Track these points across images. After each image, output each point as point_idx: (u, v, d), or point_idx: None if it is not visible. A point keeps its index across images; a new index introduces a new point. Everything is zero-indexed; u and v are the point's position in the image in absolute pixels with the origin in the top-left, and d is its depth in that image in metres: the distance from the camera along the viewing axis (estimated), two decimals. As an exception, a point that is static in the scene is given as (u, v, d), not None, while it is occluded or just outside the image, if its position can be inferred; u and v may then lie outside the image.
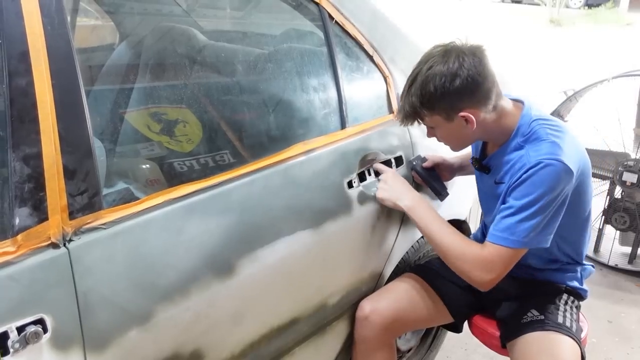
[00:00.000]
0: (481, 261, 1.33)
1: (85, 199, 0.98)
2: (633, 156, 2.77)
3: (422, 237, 1.74)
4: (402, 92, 1.36)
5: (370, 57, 1.62)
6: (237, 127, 1.47)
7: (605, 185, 2.89)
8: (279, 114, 1.49)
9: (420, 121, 1.37)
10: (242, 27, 1.82)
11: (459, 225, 1.96)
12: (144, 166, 1.38)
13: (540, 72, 6.99)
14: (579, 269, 1.56)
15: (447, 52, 1.28)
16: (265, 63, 1.57)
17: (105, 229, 1.00)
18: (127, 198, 1.12)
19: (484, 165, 1.48)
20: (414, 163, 1.66)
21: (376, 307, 1.53)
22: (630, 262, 2.94)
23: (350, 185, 1.46)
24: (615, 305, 2.66)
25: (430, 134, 1.43)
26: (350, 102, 1.54)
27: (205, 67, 1.58)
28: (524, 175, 1.28)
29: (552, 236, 1.33)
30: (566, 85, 2.91)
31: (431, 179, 1.65)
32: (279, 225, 1.27)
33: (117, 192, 1.36)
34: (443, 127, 1.35)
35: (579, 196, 1.38)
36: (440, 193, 1.65)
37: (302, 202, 1.34)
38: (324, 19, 1.49)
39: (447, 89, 1.26)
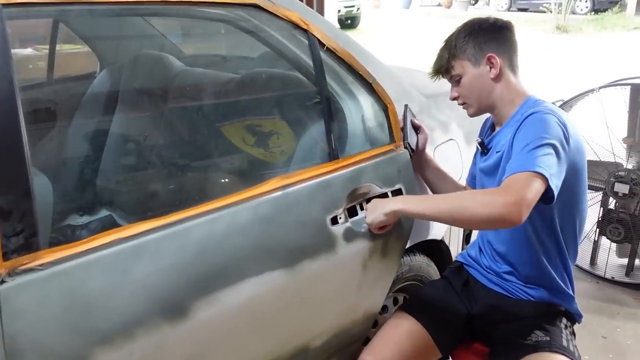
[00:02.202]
0: (501, 189, 1.21)
1: (22, 239, 0.97)
2: (625, 166, 2.68)
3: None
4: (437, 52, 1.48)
5: (369, 85, 1.53)
6: (198, 162, 1.43)
7: (599, 196, 2.78)
8: (256, 146, 1.44)
9: (451, 71, 1.44)
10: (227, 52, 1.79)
11: (437, 244, 1.84)
12: (222, 181, 1.43)
13: (537, 81, 6.57)
14: (571, 291, 1.49)
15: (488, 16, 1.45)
16: (238, 89, 1.52)
17: (42, 270, 0.98)
18: (109, 226, 1.12)
19: (485, 146, 1.50)
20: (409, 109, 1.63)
21: None
22: (627, 274, 2.81)
23: (334, 221, 1.38)
24: (611, 320, 2.52)
25: (454, 91, 1.47)
26: (341, 132, 1.46)
27: (176, 95, 1.56)
28: (523, 122, 1.31)
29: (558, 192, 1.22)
30: (555, 96, 2.76)
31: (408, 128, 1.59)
32: (243, 265, 1.21)
33: (98, 220, 1.36)
34: (469, 75, 1.42)
35: (575, 176, 1.35)
36: (410, 143, 1.58)
37: (274, 240, 1.27)
38: (312, 46, 1.42)
39: (476, 32, 1.42)
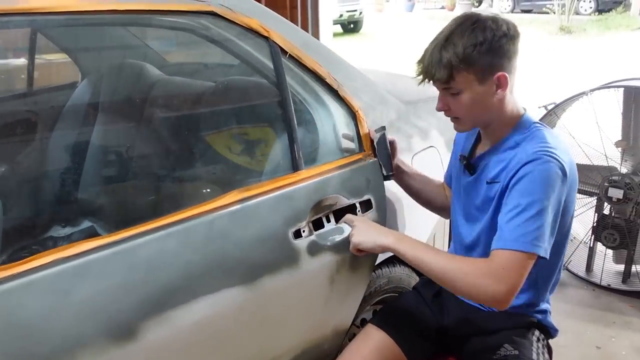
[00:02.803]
0: (493, 272, 1.18)
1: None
2: (619, 170, 2.61)
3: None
4: (428, 48, 1.25)
5: (335, 92, 1.49)
6: (160, 179, 1.40)
7: (593, 201, 2.72)
8: (211, 157, 1.39)
9: (450, 82, 1.22)
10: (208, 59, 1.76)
11: None
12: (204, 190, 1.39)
13: (540, 83, 6.46)
14: (546, 303, 1.43)
15: (491, 15, 1.23)
16: (209, 97, 1.48)
17: (-25, 293, 0.94)
18: (90, 237, 1.09)
19: (471, 164, 1.37)
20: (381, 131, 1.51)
21: None
22: (624, 281, 2.73)
23: (298, 235, 1.33)
24: (606, 329, 2.44)
25: (445, 103, 1.28)
26: (306, 142, 1.42)
27: (152, 104, 1.53)
28: (522, 171, 1.20)
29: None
30: (546, 100, 2.73)
31: (385, 151, 1.50)
32: (197, 283, 1.17)
33: (80, 231, 1.33)
34: (470, 92, 1.23)
35: (565, 208, 1.27)
36: (390, 170, 1.50)
37: (231, 257, 1.22)
38: (273, 54, 1.38)
39: (496, 43, 1.19)
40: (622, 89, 2.55)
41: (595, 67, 7.28)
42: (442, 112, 1.32)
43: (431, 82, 1.27)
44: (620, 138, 2.62)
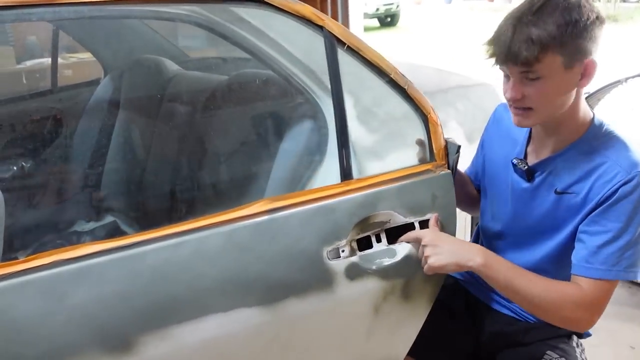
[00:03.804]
0: (585, 303, 1.13)
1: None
2: None
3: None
4: (507, 26, 1.07)
5: (403, 90, 1.27)
6: (179, 175, 1.31)
7: None
8: (238, 162, 1.26)
9: (534, 64, 1.05)
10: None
11: None
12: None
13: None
14: None
15: None
16: (224, 93, 1.35)
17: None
18: (113, 232, 1.08)
19: (531, 169, 1.22)
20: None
21: None
22: None
23: (336, 255, 1.15)
24: None
25: (519, 90, 1.09)
26: (360, 147, 1.23)
27: (169, 99, 1.46)
28: (621, 191, 1.09)
29: None
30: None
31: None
32: (208, 299, 1.06)
33: (102, 226, 1.34)
34: (554, 78, 1.07)
35: None
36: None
37: (250, 272, 1.09)
38: (329, 46, 1.21)
39: (590, 25, 1.05)
40: None
41: None
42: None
43: (504, 65, 1.08)
44: None
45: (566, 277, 1.16)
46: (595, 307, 1.14)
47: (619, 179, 1.09)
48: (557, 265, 1.20)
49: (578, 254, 1.14)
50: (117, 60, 1.80)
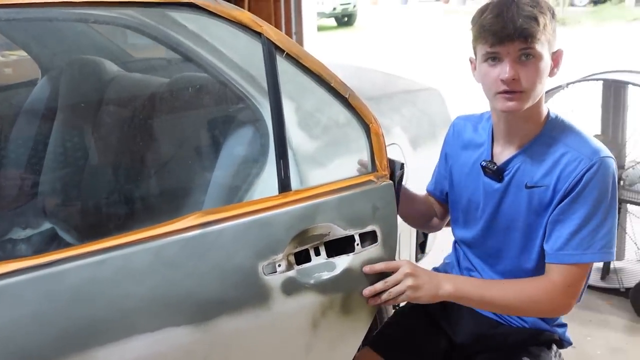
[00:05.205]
0: (559, 290, 1.18)
1: None
2: None
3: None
4: (506, 3, 1.10)
5: (345, 99, 1.24)
6: (118, 181, 1.26)
7: None
8: (171, 172, 1.22)
9: (534, 42, 1.10)
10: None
11: None
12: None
13: None
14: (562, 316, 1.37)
15: None
16: (162, 97, 1.31)
17: None
18: (50, 239, 1.02)
19: (499, 168, 1.24)
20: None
21: None
22: (603, 278, 2.64)
23: (272, 269, 1.12)
24: (581, 328, 2.36)
25: (514, 70, 1.11)
26: (302, 155, 1.20)
27: (108, 102, 1.40)
28: (585, 177, 1.13)
29: None
30: None
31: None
32: (135, 318, 1.01)
33: (39, 234, 1.28)
34: (543, 60, 1.13)
35: None
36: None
37: (180, 290, 1.05)
38: (267, 53, 1.17)
39: (553, 17, 1.15)
40: (602, 81, 2.47)
41: (589, 59, 6.84)
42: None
43: (505, 43, 1.09)
44: (599, 132, 2.53)
45: None
46: (570, 292, 1.18)
47: (582, 166, 1.13)
48: (539, 263, 1.23)
49: (551, 243, 1.18)
50: (54, 61, 1.72)
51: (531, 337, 1.33)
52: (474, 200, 1.32)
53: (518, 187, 1.22)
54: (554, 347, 1.35)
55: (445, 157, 1.43)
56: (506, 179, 1.24)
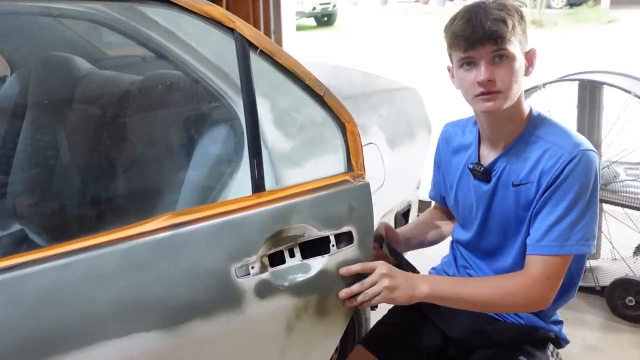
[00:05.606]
0: (536, 283, 1.18)
1: None
2: None
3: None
4: (474, 9, 1.14)
5: (320, 98, 1.22)
6: (89, 182, 1.23)
7: None
8: (144, 172, 1.19)
9: (505, 44, 1.12)
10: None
11: None
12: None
13: None
14: (558, 314, 1.39)
15: None
16: (134, 95, 1.28)
17: None
18: (20, 241, 0.97)
19: (487, 169, 1.26)
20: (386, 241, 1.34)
21: None
22: None
23: (245, 272, 1.09)
24: None
25: (490, 71, 1.13)
26: (278, 153, 1.18)
27: (79, 100, 1.37)
28: (566, 170, 1.14)
29: None
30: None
31: (401, 256, 1.35)
32: (102, 324, 0.97)
33: (8, 235, 1.24)
34: (517, 60, 1.15)
35: None
36: (412, 267, 1.33)
37: (149, 294, 1.01)
38: (240, 50, 1.14)
39: (522, 18, 1.17)
40: (577, 82, 2.48)
41: (565, 61, 7.09)
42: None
43: (477, 47, 1.12)
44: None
45: None
46: (549, 284, 1.18)
47: (563, 159, 1.14)
48: None
49: (531, 235, 1.19)
50: (23, 57, 1.67)
51: (527, 335, 1.33)
52: (467, 203, 1.34)
53: (505, 187, 1.24)
54: (551, 346, 1.35)
55: (437, 165, 1.46)
56: (494, 179, 1.26)
